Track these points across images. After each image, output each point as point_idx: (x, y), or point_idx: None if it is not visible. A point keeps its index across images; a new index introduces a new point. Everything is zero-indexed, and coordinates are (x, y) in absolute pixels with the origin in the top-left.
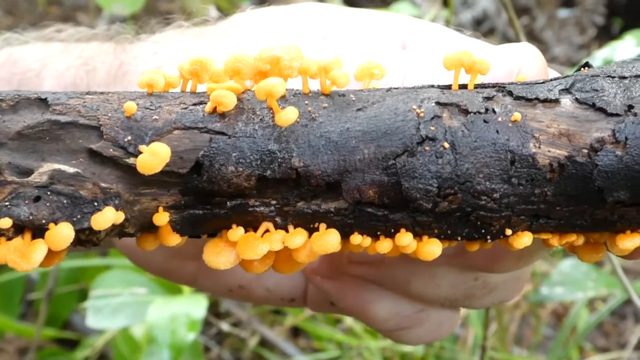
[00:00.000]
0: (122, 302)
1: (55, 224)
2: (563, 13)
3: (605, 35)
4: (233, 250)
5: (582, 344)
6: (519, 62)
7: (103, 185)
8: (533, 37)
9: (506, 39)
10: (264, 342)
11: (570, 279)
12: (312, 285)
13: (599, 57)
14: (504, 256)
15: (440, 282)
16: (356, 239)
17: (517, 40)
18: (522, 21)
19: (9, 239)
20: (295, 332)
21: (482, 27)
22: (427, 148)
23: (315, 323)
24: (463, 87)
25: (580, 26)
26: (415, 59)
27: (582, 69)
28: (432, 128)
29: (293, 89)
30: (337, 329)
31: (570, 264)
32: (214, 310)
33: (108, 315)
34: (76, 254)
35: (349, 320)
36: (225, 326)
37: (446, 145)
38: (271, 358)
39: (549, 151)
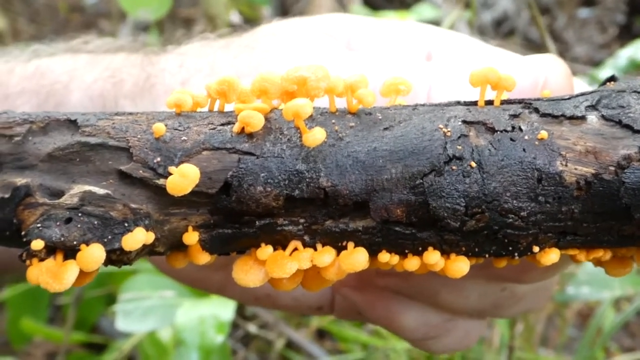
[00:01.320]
0: (151, 305)
1: (87, 245)
2: (584, 12)
3: (627, 34)
4: (262, 268)
5: (607, 344)
6: (545, 73)
7: (133, 206)
8: (554, 37)
9: (527, 40)
10: (290, 344)
11: (597, 278)
12: (339, 295)
13: (623, 55)
14: (531, 267)
15: (469, 293)
16: (384, 257)
17: (541, 40)
18: (542, 21)
19: (41, 260)
20: (321, 334)
21: (503, 28)
22: (454, 167)
23: (341, 325)
24: (489, 103)
25: (601, 25)
26: (440, 70)
27: (608, 82)
28: (459, 147)
29: (320, 108)
30: (363, 330)
31: None
32: (241, 313)
33: (137, 318)
34: None
35: None
36: (252, 328)
37: (473, 164)
38: None
39: (575, 169)
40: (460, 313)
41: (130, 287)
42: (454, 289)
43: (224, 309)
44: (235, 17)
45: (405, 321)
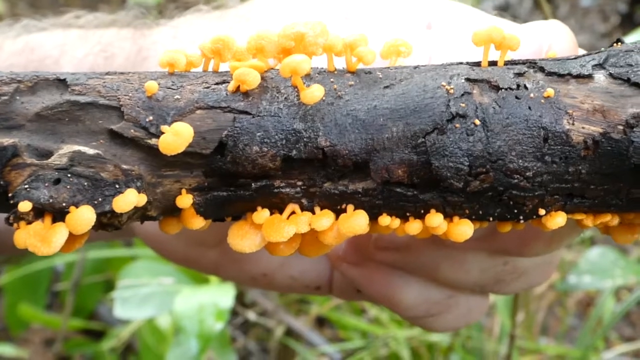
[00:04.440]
0: (150, 292)
1: (76, 207)
2: (586, 1)
3: (629, 23)
4: (258, 233)
5: (608, 334)
6: (549, 39)
7: (124, 167)
8: None
9: None
10: (289, 332)
11: (598, 267)
12: (337, 272)
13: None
14: (534, 239)
15: (470, 267)
16: (385, 220)
17: None
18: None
19: (29, 222)
20: (321, 322)
21: (504, 17)
22: (457, 125)
23: (341, 312)
24: (492, 63)
25: (603, 14)
26: (441, 39)
27: (615, 44)
28: (463, 105)
29: (318, 68)
30: (363, 318)
31: (597, 253)
32: (240, 300)
33: (136, 305)
34: (101, 245)
35: (374, 310)
36: (251, 316)
37: (477, 122)
38: (297, 348)
39: (583, 128)
40: (462, 289)
41: (128, 274)
42: (454, 262)
43: (223, 296)
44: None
45: (405, 297)
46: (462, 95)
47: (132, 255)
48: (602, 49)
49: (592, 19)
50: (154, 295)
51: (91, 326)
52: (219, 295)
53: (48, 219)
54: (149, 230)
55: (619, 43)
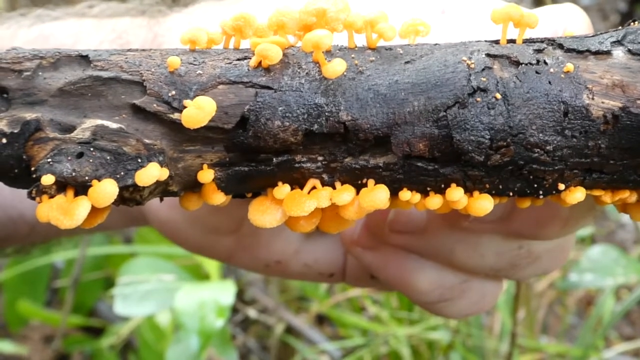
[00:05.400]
0: (150, 289)
1: (99, 180)
2: (585, 0)
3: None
4: (279, 208)
5: (607, 333)
6: (564, 22)
7: (147, 141)
8: None
9: None
10: (289, 329)
11: (600, 265)
12: (352, 258)
13: None
14: (549, 221)
15: (485, 250)
16: (405, 195)
17: None
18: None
19: (52, 196)
20: (321, 320)
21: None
22: (478, 99)
23: (341, 310)
24: (511, 42)
25: (602, 13)
26: (455, 24)
27: (631, 23)
28: (484, 79)
29: (338, 45)
30: (363, 316)
31: (599, 250)
32: (240, 298)
33: (136, 301)
34: (101, 242)
35: (374, 308)
36: (252, 313)
37: (498, 96)
38: (297, 345)
39: (602, 102)
40: (476, 273)
41: (128, 271)
42: (470, 246)
43: (224, 292)
44: None
45: (420, 282)
46: (483, 69)
47: (131, 252)
48: (620, 27)
49: (591, 17)
50: (154, 292)
51: (90, 323)
52: (220, 291)
53: (70, 193)
54: (163, 218)
55: (635, 23)
